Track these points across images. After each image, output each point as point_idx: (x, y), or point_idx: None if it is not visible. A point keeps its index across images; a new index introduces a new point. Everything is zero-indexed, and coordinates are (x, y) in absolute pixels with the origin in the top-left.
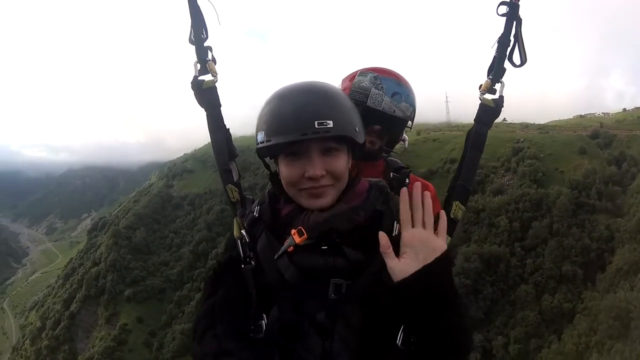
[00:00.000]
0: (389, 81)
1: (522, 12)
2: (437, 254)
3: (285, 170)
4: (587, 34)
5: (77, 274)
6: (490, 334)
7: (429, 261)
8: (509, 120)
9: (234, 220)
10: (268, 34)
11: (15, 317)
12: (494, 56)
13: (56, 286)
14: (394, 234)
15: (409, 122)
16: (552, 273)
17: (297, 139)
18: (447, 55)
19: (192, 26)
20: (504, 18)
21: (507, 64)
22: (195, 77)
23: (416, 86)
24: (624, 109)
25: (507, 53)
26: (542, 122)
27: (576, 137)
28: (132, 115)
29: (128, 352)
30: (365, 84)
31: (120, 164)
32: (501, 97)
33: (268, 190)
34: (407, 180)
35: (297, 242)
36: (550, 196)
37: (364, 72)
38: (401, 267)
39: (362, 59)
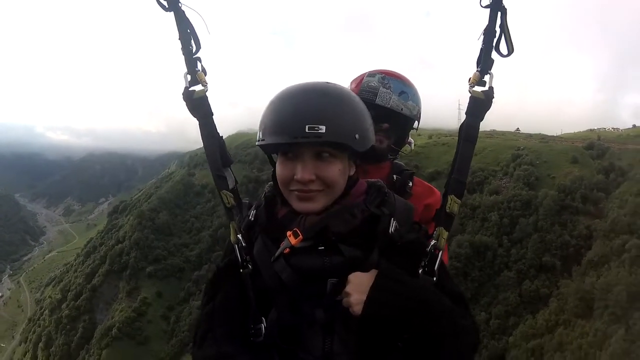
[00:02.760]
0: (395, 81)
1: (508, 3)
2: (371, 280)
3: (279, 170)
4: (607, 48)
5: (99, 252)
6: (475, 311)
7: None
8: (521, 130)
9: (230, 225)
10: (290, 33)
11: (31, 291)
12: (481, 47)
13: (75, 263)
14: (390, 232)
15: (416, 123)
16: (533, 263)
17: (286, 142)
18: (461, 63)
19: (180, 39)
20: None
21: (495, 55)
22: (186, 88)
23: (431, 93)
24: (634, 125)
25: (493, 43)
26: (554, 133)
27: (572, 147)
28: (156, 105)
29: (147, 323)
30: (374, 84)
31: (140, 151)
32: (491, 88)
33: (265, 194)
34: (411, 183)
35: (292, 243)
36: (539, 197)
37: (372, 74)
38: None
39: (373, 63)
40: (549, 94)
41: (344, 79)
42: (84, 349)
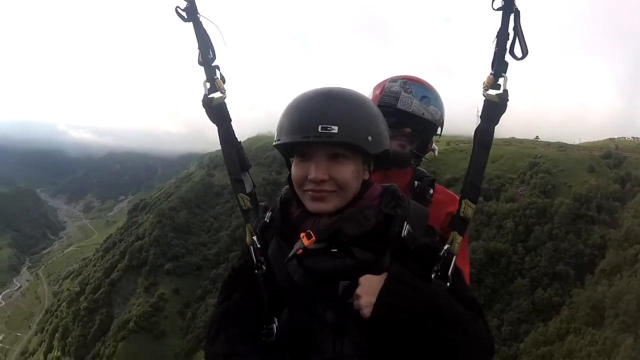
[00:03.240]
0: (417, 86)
1: (521, 5)
2: (382, 283)
3: (294, 170)
4: (627, 53)
5: (119, 247)
6: (487, 318)
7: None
8: (540, 138)
9: (246, 227)
10: (308, 38)
11: (49, 284)
12: (494, 50)
13: (94, 258)
14: (403, 235)
15: (439, 129)
16: (546, 271)
17: (298, 141)
18: (480, 69)
19: (199, 48)
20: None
21: (510, 59)
22: (205, 96)
23: (450, 100)
24: None
25: (506, 46)
26: (573, 141)
27: (589, 156)
28: (177, 107)
29: (164, 319)
30: (395, 89)
31: (160, 151)
32: (505, 91)
33: (281, 197)
34: (432, 190)
35: (305, 244)
36: (554, 206)
37: (394, 79)
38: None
39: (391, 68)
40: (569, 101)
41: (362, 84)
42: (100, 340)
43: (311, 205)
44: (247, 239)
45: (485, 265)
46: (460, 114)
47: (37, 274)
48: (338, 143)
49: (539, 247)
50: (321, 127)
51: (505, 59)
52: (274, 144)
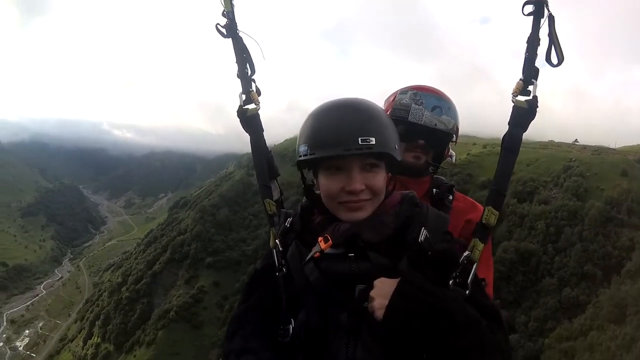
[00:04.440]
0: (428, 96)
1: (554, 9)
2: (395, 285)
3: (326, 183)
4: None
5: (160, 242)
6: (516, 314)
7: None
8: (580, 141)
9: (270, 231)
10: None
11: (90, 275)
12: (525, 56)
13: (135, 251)
14: (420, 240)
15: (453, 136)
16: (575, 271)
17: (341, 154)
18: (520, 71)
19: (237, 63)
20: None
21: (542, 63)
22: (241, 107)
23: (488, 102)
24: None
25: (537, 52)
26: (615, 146)
27: (623, 160)
28: (217, 109)
29: (202, 310)
30: (406, 101)
31: (199, 151)
32: (535, 97)
33: (302, 204)
34: (451, 197)
35: (322, 248)
36: (585, 208)
37: (404, 91)
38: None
39: (423, 78)
40: (609, 104)
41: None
42: (140, 328)
43: (348, 216)
44: (271, 243)
45: (515, 264)
46: (497, 117)
47: (78, 266)
48: (376, 154)
49: (568, 248)
50: (361, 139)
51: (536, 65)
52: (306, 158)
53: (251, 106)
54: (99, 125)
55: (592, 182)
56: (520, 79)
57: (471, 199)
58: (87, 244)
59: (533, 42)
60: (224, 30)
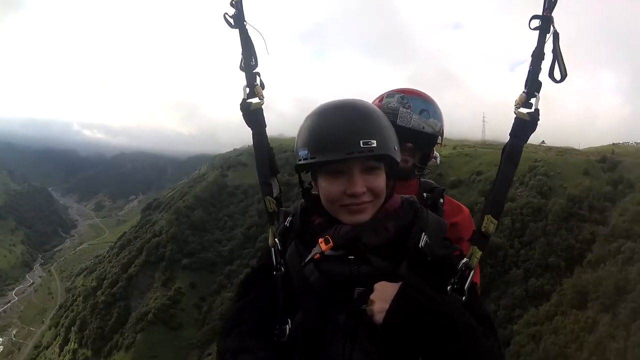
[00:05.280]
0: (415, 100)
1: (558, 26)
2: (396, 290)
3: (327, 187)
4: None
5: (134, 244)
6: (486, 303)
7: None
8: (546, 143)
9: (269, 229)
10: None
11: (62, 280)
12: (529, 69)
13: (109, 255)
14: (420, 245)
15: (439, 138)
16: (539, 262)
17: (343, 158)
18: (489, 77)
19: (242, 54)
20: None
21: (545, 78)
22: (244, 100)
23: (457, 105)
24: None
25: (541, 67)
26: (580, 147)
27: (586, 160)
28: (191, 109)
29: (180, 311)
30: (393, 104)
31: (171, 152)
32: (537, 110)
33: (301, 204)
34: (442, 200)
35: (323, 249)
36: (549, 205)
37: (391, 94)
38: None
39: (401, 81)
40: (576, 107)
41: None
42: (118, 332)
43: (349, 219)
44: (270, 241)
45: (484, 258)
46: (466, 119)
47: (49, 271)
48: (377, 156)
49: (533, 242)
50: (363, 142)
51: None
52: (307, 162)
53: (255, 100)
54: (69, 125)
55: (556, 180)
56: (524, 92)
57: (457, 202)
58: (57, 248)
59: (538, 56)
60: (231, 21)
